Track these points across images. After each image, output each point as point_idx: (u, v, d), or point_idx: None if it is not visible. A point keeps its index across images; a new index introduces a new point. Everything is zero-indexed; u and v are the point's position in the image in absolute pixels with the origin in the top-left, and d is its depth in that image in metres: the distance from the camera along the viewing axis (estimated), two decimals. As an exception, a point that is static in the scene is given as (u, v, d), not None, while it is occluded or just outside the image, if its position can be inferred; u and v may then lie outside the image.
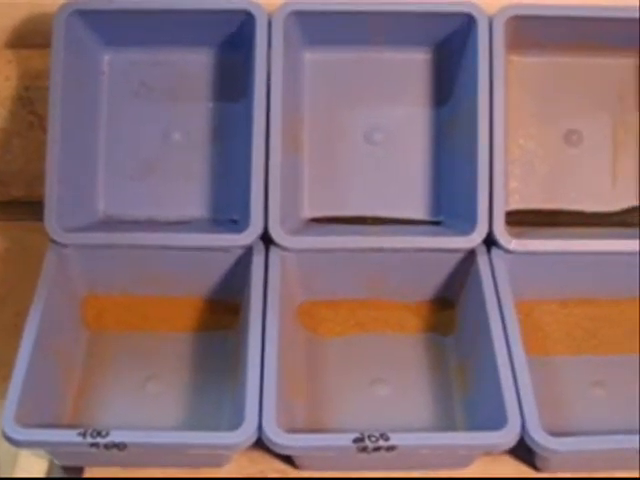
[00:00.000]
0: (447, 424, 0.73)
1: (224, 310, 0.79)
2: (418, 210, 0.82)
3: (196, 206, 0.81)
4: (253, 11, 0.76)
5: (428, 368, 0.77)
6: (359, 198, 0.82)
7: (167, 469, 0.71)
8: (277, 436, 0.66)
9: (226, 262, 0.78)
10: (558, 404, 0.75)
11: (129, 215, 0.81)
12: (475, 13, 0.77)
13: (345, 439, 0.66)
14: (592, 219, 0.83)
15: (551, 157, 0.82)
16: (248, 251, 0.77)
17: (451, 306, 0.81)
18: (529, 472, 0.72)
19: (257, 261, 0.76)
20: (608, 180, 0.83)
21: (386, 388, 0.76)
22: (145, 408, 0.74)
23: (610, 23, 0.79)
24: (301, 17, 0.78)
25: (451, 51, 0.80)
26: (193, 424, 0.73)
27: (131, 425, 0.72)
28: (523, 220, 0.82)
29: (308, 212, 0.81)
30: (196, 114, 0.81)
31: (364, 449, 0.66)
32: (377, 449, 0.66)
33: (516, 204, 0.82)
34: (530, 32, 0.79)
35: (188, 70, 0.81)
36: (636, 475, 0.71)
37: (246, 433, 0.66)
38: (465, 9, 0.77)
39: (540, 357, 0.78)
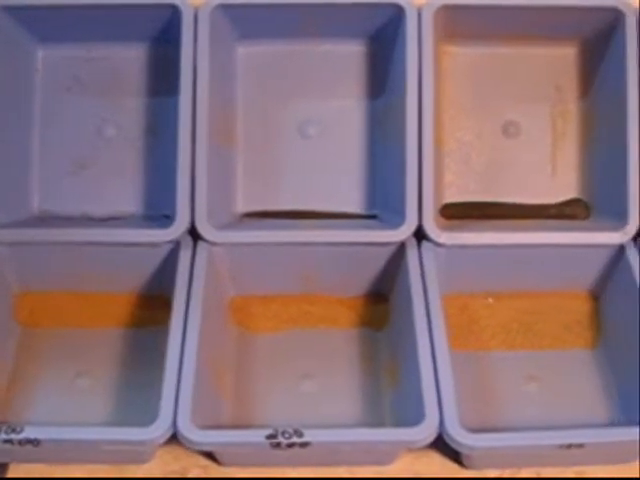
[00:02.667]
0: (375, 420, 0.73)
1: (156, 306, 0.79)
2: (353, 204, 0.81)
3: (130, 202, 0.81)
4: (179, 5, 0.76)
5: (360, 363, 0.77)
6: (294, 192, 0.81)
7: (90, 465, 0.70)
8: (190, 432, 0.65)
9: (156, 257, 0.78)
10: (491, 399, 0.75)
11: (64, 211, 0.81)
12: (403, 3, 0.76)
13: (258, 435, 0.65)
14: (531, 211, 0.81)
15: (489, 149, 0.81)
16: (177, 246, 0.77)
17: (384, 300, 0.80)
18: (455, 469, 0.71)
19: (184, 256, 0.75)
20: (547, 172, 0.81)
21: (315, 384, 0.75)
22: (74, 404, 0.74)
23: (547, 12, 0.78)
24: (229, 10, 0.77)
25: (384, 42, 0.79)
26: (122, 420, 0.73)
27: (59, 421, 0.72)
28: (465, 213, 0.81)
29: (242, 207, 0.81)
30: (129, 109, 0.81)
31: (278, 445, 0.65)
32: (291, 445, 0.65)
33: (452, 197, 0.81)
34: (465, 22, 0.78)
35: (121, 65, 0.81)
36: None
37: (160, 429, 0.65)
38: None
39: (475, 352, 0.77)
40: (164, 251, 0.77)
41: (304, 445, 0.65)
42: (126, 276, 0.79)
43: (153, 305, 0.79)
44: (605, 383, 0.75)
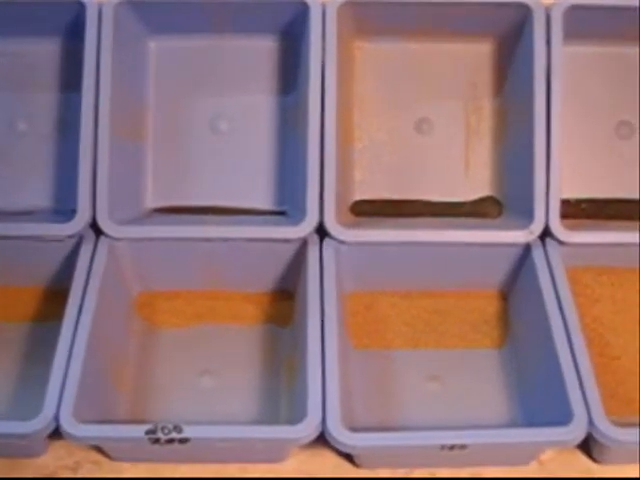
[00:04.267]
0: (271, 417, 0.72)
1: (60, 300, 0.77)
2: (263, 200, 0.80)
3: (42, 196, 0.81)
4: (83, 0, 0.76)
5: (262, 360, 0.76)
6: (205, 188, 0.81)
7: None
8: (71, 426, 0.65)
9: (61, 252, 0.78)
10: (393, 398, 0.74)
11: (-24, 206, 0.81)
12: (308, -1, 0.76)
13: (137, 431, 0.65)
14: (444, 209, 0.80)
15: (401, 146, 0.81)
16: (80, 240, 0.76)
17: (290, 297, 0.79)
18: (348, 468, 0.70)
19: (84, 251, 0.75)
20: (460, 169, 0.81)
21: (215, 380, 0.75)
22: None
23: (456, 8, 0.77)
24: (136, 6, 0.77)
25: (292, 39, 0.79)
26: (20, 415, 0.72)
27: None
28: (377, 211, 0.81)
29: (152, 202, 0.81)
30: (42, 104, 0.81)
31: (157, 441, 0.65)
32: (170, 441, 0.65)
33: (364, 194, 0.80)
34: (374, 18, 0.78)
35: (34, 60, 0.81)
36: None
37: (41, 423, 0.65)
38: (298, -5, 0.76)
39: (379, 350, 0.77)
40: (68, 245, 0.77)
41: (183, 441, 0.65)
42: (31, 270, 0.79)
43: (57, 300, 0.78)
44: (509, 383, 0.74)
